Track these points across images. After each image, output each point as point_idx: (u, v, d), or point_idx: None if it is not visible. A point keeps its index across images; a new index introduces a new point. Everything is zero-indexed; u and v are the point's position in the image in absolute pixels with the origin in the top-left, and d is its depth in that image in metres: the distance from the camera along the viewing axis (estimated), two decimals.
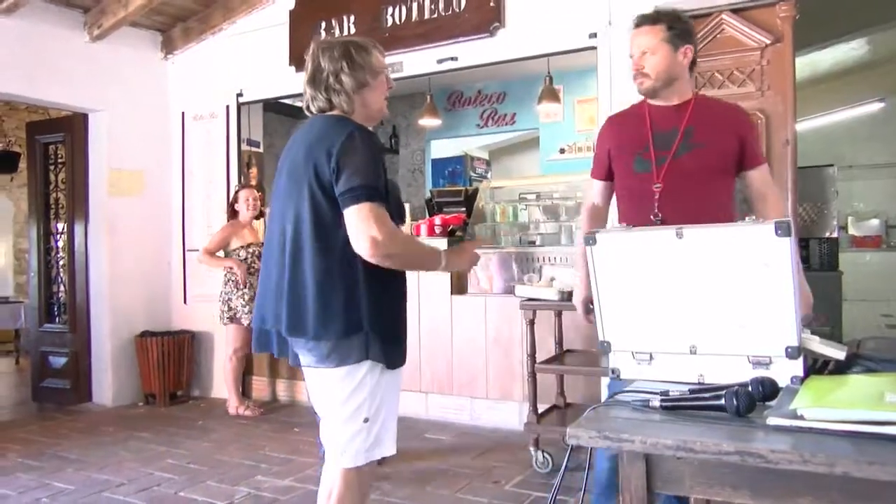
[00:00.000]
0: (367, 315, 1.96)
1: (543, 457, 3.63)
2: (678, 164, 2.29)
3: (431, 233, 5.06)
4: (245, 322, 4.98)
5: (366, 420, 1.99)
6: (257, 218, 5.20)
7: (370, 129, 2.10)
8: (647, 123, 2.36)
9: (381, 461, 3.51)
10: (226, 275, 5.08)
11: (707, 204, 2.26)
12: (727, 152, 2.35)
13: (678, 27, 2.33)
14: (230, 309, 5.05)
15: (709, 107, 2.41)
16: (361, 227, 1.88)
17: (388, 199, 1.99)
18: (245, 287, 5.01)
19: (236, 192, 5.23)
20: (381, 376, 2.01)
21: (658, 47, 2.30)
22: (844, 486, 1.10)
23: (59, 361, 5.61)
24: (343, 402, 1.99)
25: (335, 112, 2.07)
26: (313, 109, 2.11)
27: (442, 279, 4.69)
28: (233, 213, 5.19)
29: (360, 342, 1.95)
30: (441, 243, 4.80)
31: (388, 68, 2.19)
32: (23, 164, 7.56)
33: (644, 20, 2.35)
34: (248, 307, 4.96)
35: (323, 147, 1.95)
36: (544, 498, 3.24)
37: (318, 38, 2.17)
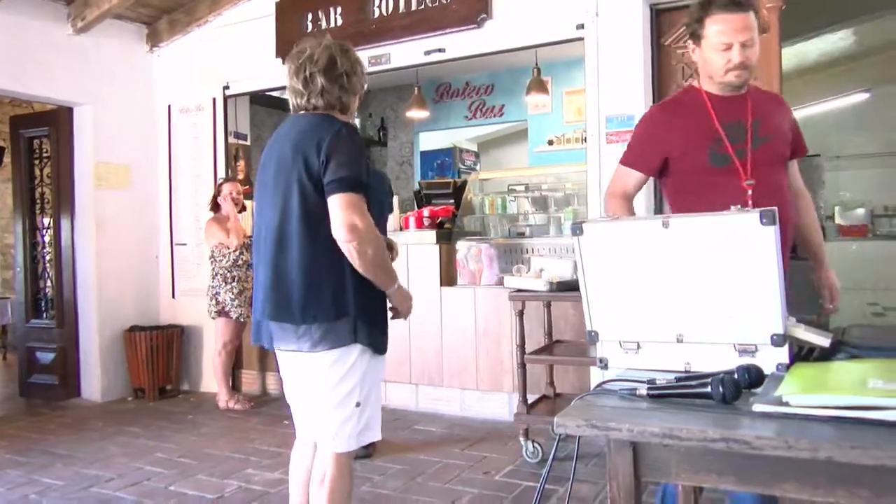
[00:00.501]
0: (353, 301, 2.03)
1: (533, 447, 3.65)
2: (756, 157, 2.18)
3: (420, 225, 5.05)
4: (234, 315, 4.97)
5: (357, 405, 2.06)
6: (240, 212, 5.14)
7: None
8: (712, 113, 2.20)
9: (371, 449, 3.56)
10: (213, 269, 5.04)
11: (785, 197, 2.16)
12: (787, 143, 2.29)
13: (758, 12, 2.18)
14: (218, 303, 5.00)
15: (761, 97, 2.30)
16: (343, 215, 1.95)
17: (369, 193, 2.08)
18: (233, 281, 4.98)
19: (220, 185, 5.18)
20: (369, 361, 2.08)
21: (756, 37, 2.14)
22: (828, 471, 1.11)
23: (46, 357, 5.58)
24: (334, 386, 2.05)
25: (322, 111, 2.14)
26: (315, 102, 2.12)
27: (432, 270, 4.69)
28: (215, 206, 5.14)
29: (348, 326, 2.03)
30: (430, 235, 4.81)
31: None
32: (7, 159, 7.48)
33: (739, 6, 2.09)
34: (236, 301, 4.95)
35: (312, 140, 2.02)
36: (534, 487, 3.26)
37: (330, 37, 2.24)
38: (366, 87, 2.26)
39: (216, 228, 5.02)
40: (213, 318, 5.08)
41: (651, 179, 4.16)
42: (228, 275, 4.99)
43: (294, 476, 2.29)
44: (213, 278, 5.05)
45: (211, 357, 5.31)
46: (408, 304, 2.25)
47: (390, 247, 2.49)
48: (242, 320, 4.97)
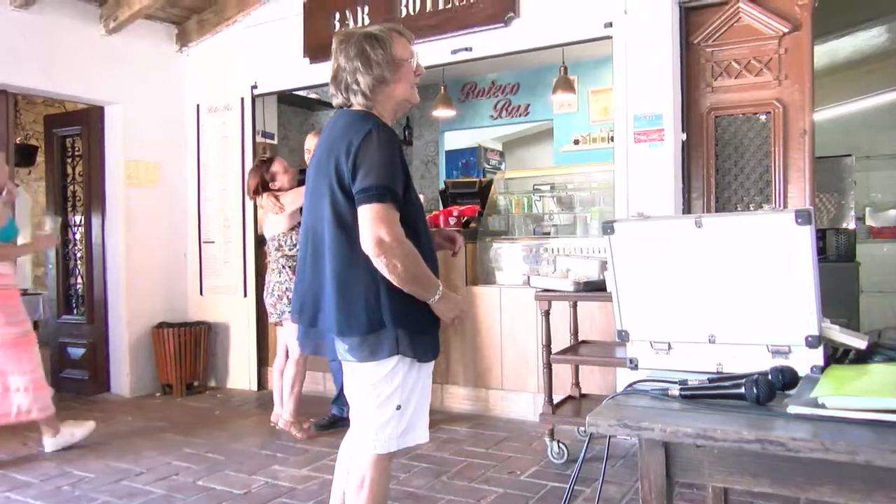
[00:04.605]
0: (389, 312, 1.96)
1: (559, 447, 3.63)
2: None
3: (446, 224, 5.06)
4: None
5: (398, 407, 2.02)
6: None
7: (393, 121, 2.11)
8: None
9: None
10: (277, 260, 4.26)
11: None
12: None
13: None
14: (290, 301, 4.07)
15: None
16: (369, 228, 1.89)
17: (408, 196, 1.99)
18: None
19: (268, 168, 4.35)
20: (412, 366, 2.03)
21: None
22: (866, 475, 1.10)
23: (77, 352, 5.68)
24: (374, 388, 2.01)
25: (358, 107, 2.06)
26: (334, 104, 2.13)
27: (458, 269, 4.69)
28: (258, 190, 4.31)
29: (388, 337, 1.97)
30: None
31: (415, 55, 2.12)
32: (40, 158, 7.63)
33: None
34: None
35: (343, 145, 1.96)
36: (559, 488, 3.25)
37: (339, 32, 2.13)
38: (396, 69, 2.04)
39: (288, 197, 4.24)
40: (278, 322, 4.31)
41: (679, 177, 4.13)
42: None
43: (341, 462, 2.30)
44: (280, 272, 4.24)
45: (238, 353, 5.31)
46: (453, 315, 2.07)
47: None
48: None
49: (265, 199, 4.29)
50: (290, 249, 4.23)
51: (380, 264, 1.90)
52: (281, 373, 4.36)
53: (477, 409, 4.68)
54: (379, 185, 1.90)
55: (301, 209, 4.09)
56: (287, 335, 4.27)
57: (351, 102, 2.07)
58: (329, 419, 4.41)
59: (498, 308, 4.61)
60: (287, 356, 4.34)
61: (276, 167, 4.34)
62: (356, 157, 1.92)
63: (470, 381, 4.72)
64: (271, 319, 4.37)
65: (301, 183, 4.23)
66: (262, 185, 4.29)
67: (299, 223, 4.00)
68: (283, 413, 4.27)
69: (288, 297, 4.15)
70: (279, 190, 4.31)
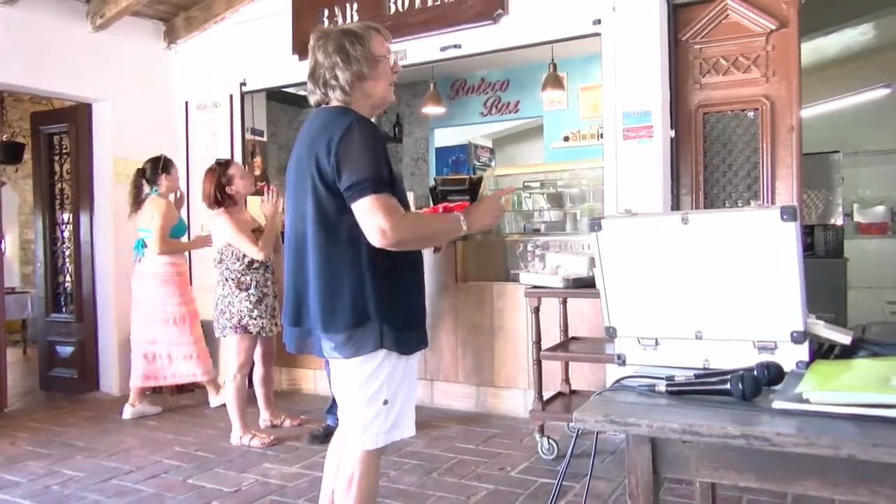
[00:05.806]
0: (375, 305, 1.97)
1: (549, 443, 3.64)
2: None
3: None
4: (253, 330, 4.01)
5: (385, 402, 2.03)
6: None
7: (371, 118, 2.10)
8: None
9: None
10: (221, 273, 4.09)
11: None
12: None
13: None
14: (232, 315, 4.01)
15: None
16: (370, 220, 1.89)
17: (392, 188, 1.98)
18: (250, 287, 4.03)
19: (224, 171, 4.12)
20: (398, 361, 2.04)
21: None
22: (850, 469, 1.11)
23: (66, 351, 5.65)
24: (361, 385, 2.02)
25: (336, 103, 2.06)
26: (311, 102, 2.13)
27: (448, 265, 4.69)
28: (220, 199, 4.07)
29: (373, 331, 1.97)
30: None
31: (393, 53, 2.13)
32: (27, 155, 7.58)
33: None
34: (255, 311, 4.02)
35: (323, 141, 1.96)
36: (550, 484, 3.26)
37: (317, 29, 2.14)
38: (374, 66, 2.05)
39: (233, 229, 4.02)
40: (223, 336, 4.09)
41: (668, 173, 4.15)
42: (242, 279, 4.03)
43: (330, 460, 2.30)
44: (223, 285, 4.07)
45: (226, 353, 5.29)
46: (492, 218, 2.14)
47: None
48: (265, 335, 4.11)
49: (221, 220, 4.06)
50: (232, 263, 4.07)
51: (395, 249, 1.93)
52: (261, 378, 4.34)
53: (467, 405, 4.69)
54: (369, 178, 1.90)
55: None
56: (227, 350, 4.17)
57: (329, 99, 2.07)
58: (325, 430, 4.12)
59: (488, 305, 4.62)
60: (262, 362, 4.29)
61: (234, 171, 4.14)
62: (338, 152, 1.92)
63: (460, 377, 4.73)
64: (216, 334, 4.15)
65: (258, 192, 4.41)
66: (217, 188, 4.06)
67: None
68: (234, 430, 4.11)
69: (230, 311, 4.02)
70: (236, 195, 4.11)
